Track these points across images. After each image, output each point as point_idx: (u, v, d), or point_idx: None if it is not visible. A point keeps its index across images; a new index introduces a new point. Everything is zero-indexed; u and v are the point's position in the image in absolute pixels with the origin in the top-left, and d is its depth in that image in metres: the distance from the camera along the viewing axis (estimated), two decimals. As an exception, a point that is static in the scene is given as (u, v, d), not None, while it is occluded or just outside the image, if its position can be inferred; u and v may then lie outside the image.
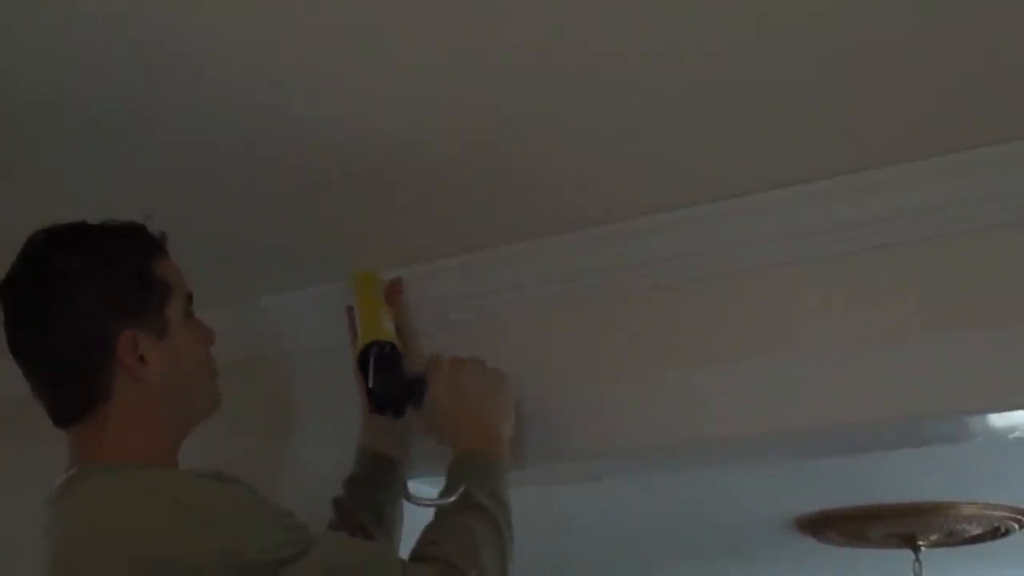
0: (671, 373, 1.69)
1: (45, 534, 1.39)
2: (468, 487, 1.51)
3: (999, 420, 1.62)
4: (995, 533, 3.55)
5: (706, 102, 1.43)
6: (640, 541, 3.83)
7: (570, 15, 1.26)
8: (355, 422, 1.79)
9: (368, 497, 1.73)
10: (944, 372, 1.54)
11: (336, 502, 1.74)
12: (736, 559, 4.07)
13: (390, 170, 1.60)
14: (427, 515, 1.54)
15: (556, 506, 3.11)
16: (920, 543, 3.54)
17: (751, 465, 2.66)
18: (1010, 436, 1.69)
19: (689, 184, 1.64)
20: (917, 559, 3.60)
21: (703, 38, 1.30)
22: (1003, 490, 3.27)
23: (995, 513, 3.42)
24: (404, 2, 1.25)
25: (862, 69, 1.36)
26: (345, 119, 1.48)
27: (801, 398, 1.61)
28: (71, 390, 1.43)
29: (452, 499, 1.51)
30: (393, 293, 1.81)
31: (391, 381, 1.70)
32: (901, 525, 3.46)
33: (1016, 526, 3.50)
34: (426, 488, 1.68)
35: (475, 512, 1.50)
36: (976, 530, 3.52)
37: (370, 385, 1.69)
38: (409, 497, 1.63)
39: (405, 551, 1.53)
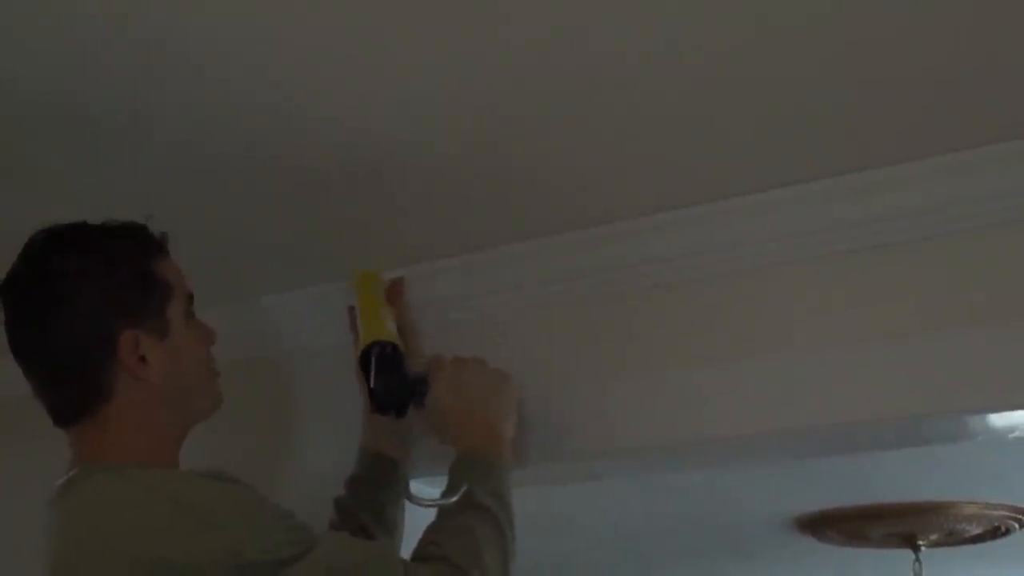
0: (671, 373, 1.69)
1: (45, 534, 1.39)
2: (470, 487, 1.51)
3: (999, 420, 1.62)
4: (995, 533, 3.55)
5: (706, 102, 1.43)
6: (640, 541, 3.83)
7: (570, 15, 1.26)
8: (356, 422, 1.79)
9: (369, 497, 1.73)
10: (944, 372, 1.54)
11: (337, 502, 1.74)
12: (736, 559, 4.07)
13: (390, 170, 1.60)
14: (429, 515, 1.54)
15: (556, 506, 3.11)
16: (920, 543, 3.54)
17: (751, 465, 2.66)
18: (1010, 436, 1.69)
19: (689, 184, 1.64)
20: (917, 559, 3.60)
21: (703, 38, 1.30)
22: (1003, 490, 3.27)
23: (995, 513, 3.42)
24: (404, 2, 1.25)
25: (862, 69, 1.36)
26: (345, 119, 1.48)
27: (801, 398, 1.61)
28: (72, 390, 1.43)
29: (454, 499, 1.51)
30: (394, 293, 1.81)
31: (393, 381, 1.70)
32: (901, 525, 3.46)
33: (1016, 526, 3.50)
34: (427, 488, 1.69)
35: (477, 512, 1.49)
36: (976, 530, 3.52)
37: (372, 385, 1.69)
38: (411, 497, 1.63)
39: (407, 551, 1.53)
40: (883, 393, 1.57)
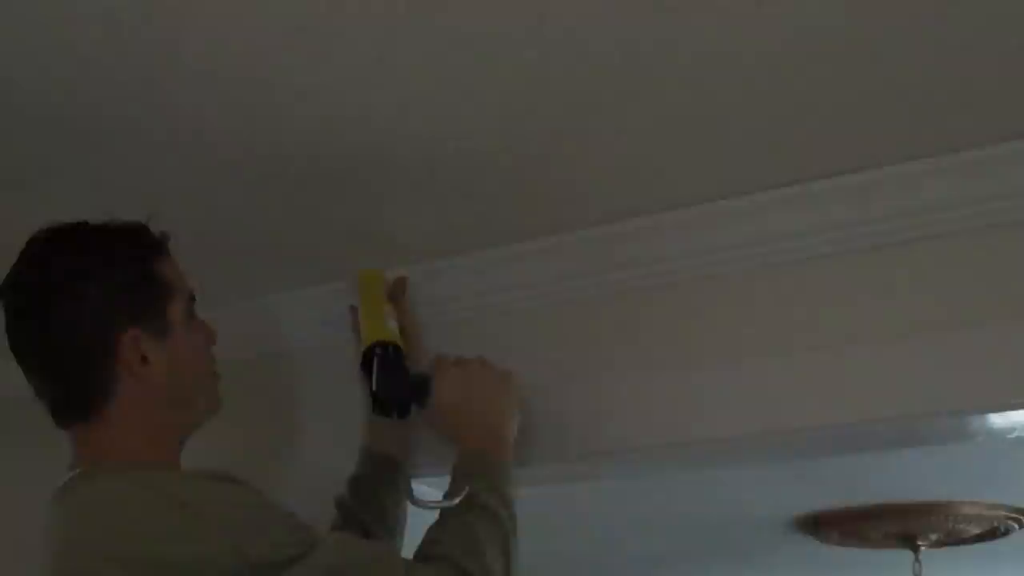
0: (671, 373, 1.70)
1: (46, 534, 1.39)
2: (473, 487, 1.51)
3: (999, 420, 1.62)
4: (995, 533, 3.55)
5: (706, 102, 1.43)
6: (639, 541, 3.83)
7: (570, 15, 1.26)
8: (357, 422, 1.79)
9: (371, 497, 1.73)
10: (944, 372, 1.54)
11: (339, 503, 1.74)
12: (736, 559, 4.07)
13: (392, 170, 1.60)
14: (431, 515, 1.54)
15: (556, 506, 3.11)
16: (920, 543, 3.54)
17: (751, 465, 2.65)
18: (1010, 436, 1.69)
19: (689, 184, 1.64)
20: (917, 559, 3.60)
21: (703, 39, 1.30)
22: (1003, 490, 3.27)
23: (995, 513, 3.42)
24: (407, 1, 1.25)
25: (862, 69, 1.36)
26: (346, 119, 1.48)
27: (801, 398, 1.61)
28: (73, 391, 1.43)
29: (456, 501, 1.51)
30: (397, 292, 1.81)
31: (394, 382, 1.70)
32: (901, 525, 3.46)
33: (1016, 526, 3.50)
34: (429, 489, 1.69)
35: (480, 512, 1.49)
36: (976, 530, 3.52)
37: (373, 386, 1.69)
38: (414, 500, 1.64)
39: (409, 551, 1.53)
40: (883, 393, 1.57)
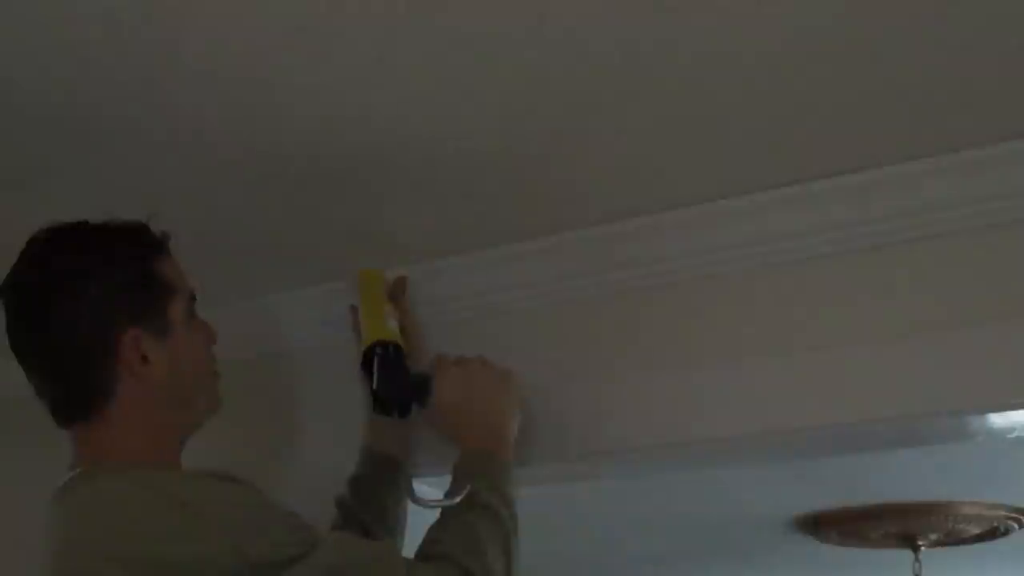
0: (671, 372, 1.70)
1: (47, 534, 1.39)
2: (474, 486, 1.51)
3: (999, 420, 1.62)
4: (995, 533, 3.55)
5: (706, 102, 1.43)
6: (639, 541, 3.83)
7: (570, 15, 1.26)
8: (357, 421, 1.79)
9: (372, 497, 1.73)
10: (944, 372, 1.54)
11: (339, 502, 1.74)
12: (735, 559, 4.07)
13: (392, 170, 1.60)
14: (432, 514, 1.54)
15: (556, 506, 3.11)
16: (920, 543, 3.54)
17: (751, 465, 2.65)
18: (1010, 436, 1.69)
19: (689, 184, 1.64)
20: (917, 559, 3.60)
21: (704, 39, 1.30)
22: (1003, 490, 3.27)
23: (995, 513, 3.42)
24: (407, 1, 1.25)
25: (862, 69, 1.36)
26: (346, 119, 1.48)
27: (801, 398, 1.61)
28: (73, 390, 1.43)
29: (457, 500, 1.51)
30: (397, 292, 1.81)
31: (395, 381, 1.70)
32: (901, 525, 3.46)
33: (1016, 526, 3.50)
34: (430, 489, 1.69)
35: (481, 511, 1.49)
36: (976, 530, 3.52)
37: (374, 386, 1.69)
38: (415, 499, 1.64)
39: (410, 551, 1.53)
40: (883, 393, 1.57)
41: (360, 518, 1.71)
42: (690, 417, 1.67)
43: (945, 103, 1.43)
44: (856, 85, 1.39)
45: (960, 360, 1.53)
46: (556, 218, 1.73)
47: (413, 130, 1.50)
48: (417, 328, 1.82)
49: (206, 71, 1.37)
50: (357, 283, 1.81)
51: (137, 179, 1.62)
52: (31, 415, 1.48)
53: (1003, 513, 3.42)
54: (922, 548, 3.56)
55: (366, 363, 1.70)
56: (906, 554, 3.59)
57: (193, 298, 1.50)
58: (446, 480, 1.57)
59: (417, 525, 1.60)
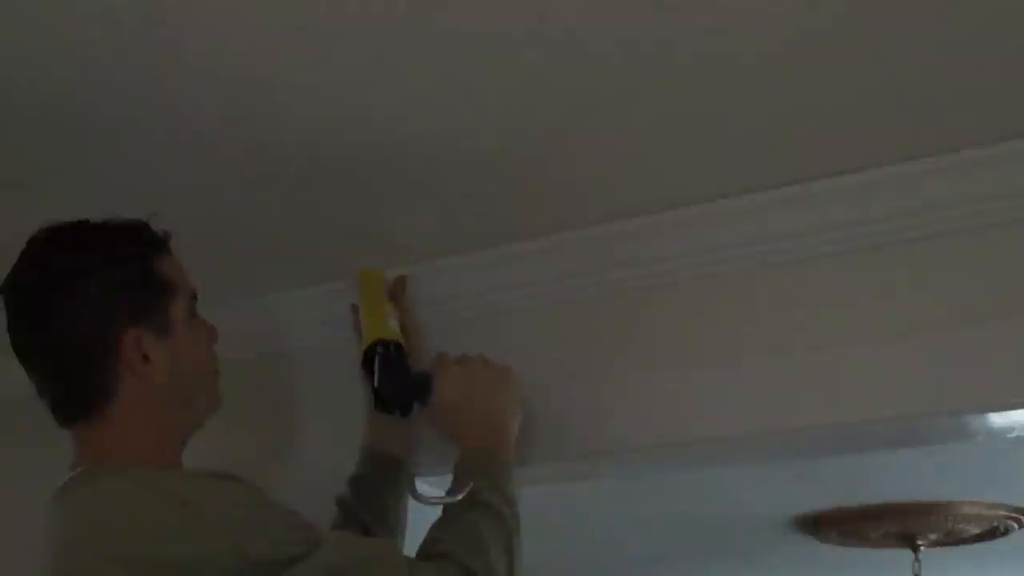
0: (671, 372, 1.70)
1: (47, 533, 1.39)
2: (476, 485, 1.51)
3: (999, 420, 1.62)
4: (995, 533, 3.55)
5: (706, 102, 1.43)
6: (638, 541, 3.83)
7: (570, 15, 1.26)
8: (357, 422, 1.79)
9: (372, 496, 1.73)
10: (944, 372, 1.54)
11: (340, 502, 1.74)
12: (735, 559, 4.07)
13: (392, 170, 1.60)
14: (433, 514, 1.54)
15: (556, 506, 3.11)
16: (920, 543, 3.54)
17: (751, 464, 2.66)
18: (1010, 436, 1.69)
19: (689, 184, 1.64)
20: (917, 559, 3.59)
21: (704, 39, 1.30)
22: (1003, 490, 3.27)
23: (995, 513, 3.42)
24: (407, 1, 1.25)
25: (862, 69, 1.36)
26: (346, 119, 1.48)
27: (801, 398, 1.61)
28: (74, 390, 1.43)
29: (459, 497, 1.51)
30: (397, 291, 1.81)
31: (396, 380, 1.70)
32: (901, 525, 3.46)
33: (1016, 526, 3.50)
34: (431, 488, 1.68)
35: (482, 510, 1.49)
36: (976, 530, 3.52)
37: (375, 385, 1.69)
38: (417, 496, 1.63)
39: (411, 550, 1.53)
40: (883, 393, 1.57)
41: (361, 518, 1.71)
42: (690, 417, 1.67)
43: (945, 103, 1.43)
44: (856, 85, 1.39)
45: (960, 360, 1.53)
46: (556, 218, 1.73)
47: (413, 130, 1.50)
48: (417, 327, 1.82)
49: (206, 71, 1.37)
50: (357, 283, 1.81)
51: (137, 179, 1.62)
52: (31, 415, 1.48)
53: (1003, 513, 3.42)
54: (922, 548, 3.56)
55: (367, 362, 1.70)
56: (906, 554, 3.59)
57: (194, 297, 1.50)
58: (447, 479, 1.57)
59: (418, 524, 1.60)
